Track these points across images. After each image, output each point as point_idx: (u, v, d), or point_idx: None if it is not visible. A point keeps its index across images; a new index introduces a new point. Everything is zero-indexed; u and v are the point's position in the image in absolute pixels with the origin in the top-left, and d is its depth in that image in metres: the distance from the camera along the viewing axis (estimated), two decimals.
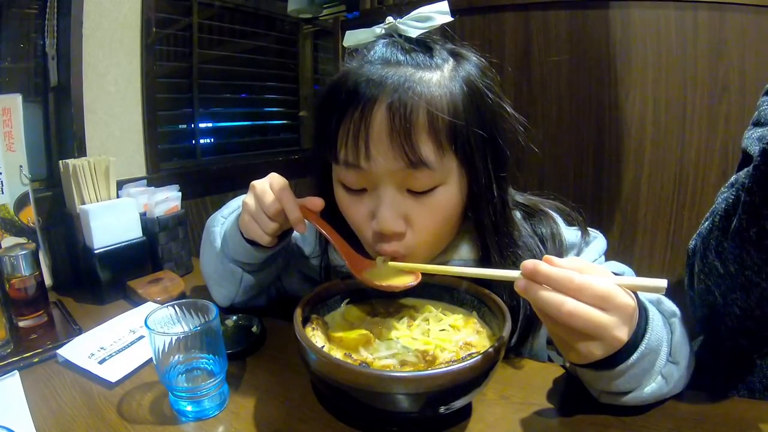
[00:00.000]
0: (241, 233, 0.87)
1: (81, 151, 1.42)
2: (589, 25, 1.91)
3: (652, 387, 0.64)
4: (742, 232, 0.61)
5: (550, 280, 0.55)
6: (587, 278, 0.55)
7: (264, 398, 0.75)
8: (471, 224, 0.84)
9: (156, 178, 1.60)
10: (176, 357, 0.69)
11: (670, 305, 0.70)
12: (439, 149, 0.72)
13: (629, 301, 0.56)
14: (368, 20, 2.22)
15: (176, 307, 0.74)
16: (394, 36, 0.78)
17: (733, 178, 0.78)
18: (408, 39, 0.77)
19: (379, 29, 0.80)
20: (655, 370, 0.64)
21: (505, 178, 0.82)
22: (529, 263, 0.57)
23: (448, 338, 0.71)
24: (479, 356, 0.57)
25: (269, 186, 0.81)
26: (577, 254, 0.88)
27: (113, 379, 0.81)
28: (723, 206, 0.67)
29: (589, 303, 0.54)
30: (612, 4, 1.87)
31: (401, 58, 0.74)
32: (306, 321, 0.73)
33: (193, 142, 2.17)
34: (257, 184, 0.83)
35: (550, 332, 0.61)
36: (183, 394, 0.69)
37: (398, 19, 0.78)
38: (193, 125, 2.15)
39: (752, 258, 0.62)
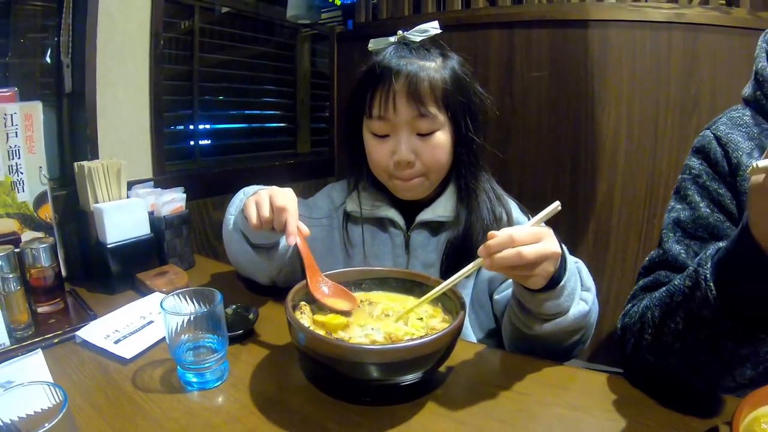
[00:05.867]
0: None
1: (94, 154, 1.52)
2: (569, 44, 2.03)
3: (576, 309, 0.87)
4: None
5: (500, 245, 0.76)
6: (518, 230, 0.76)
7: (258, 373, 0.88)
8: (453, 187, 1.18)
9: (161, 179, 1.71)
10: (186, 335, 0.81)
11: (572, 257, 0.94)
12: (436, 106, 1.07)
13: (546, 228, 0.80)
14: (363, 32, 2.36)
15: (186, 294, 0.86)
16: (403, 42, 1.12)
17: (648, 261, 0.96)
18: (413, 43, 1.11)
19: (392, 38, 1.13)
20: (577, 294, 0.88)
21: (478, 135, 1.14)
22: (481, 248, 0.78)
23: (418, 326, 0.84)
24: (435, 334, 0.71)
25: (276, 199, 0.96)
26: None
27: (128, 356, 0.92)
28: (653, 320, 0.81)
29: (529, 242, 0.75)
30: (591, 24, 1.98)
31: (410, 54, 1.09)
32: (295, 307, 0.86)
33: (192, 143, 2.27)
34: (273, 193, 0.98)
35: (514, 277, 0.84)
36: (190, 367, 0.82)
37: (405, 32, 1.13)
38: (192, 127, 2.25)
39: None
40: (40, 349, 0.96)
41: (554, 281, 0.82)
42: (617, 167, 2.02)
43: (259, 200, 0.97)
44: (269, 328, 1.04)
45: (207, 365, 0.82)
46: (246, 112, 2.62)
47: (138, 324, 1.05)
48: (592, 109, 2.02)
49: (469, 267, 0.83)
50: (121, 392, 0.83)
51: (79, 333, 1.00)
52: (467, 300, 1.09)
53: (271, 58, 2.66)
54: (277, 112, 2.80)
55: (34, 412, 0.60)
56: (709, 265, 0.69)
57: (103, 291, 1.28)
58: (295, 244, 0.94)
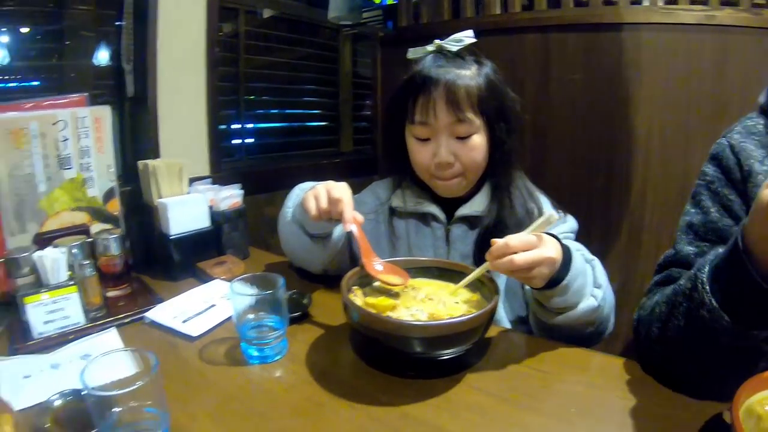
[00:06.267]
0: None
1: (156, 153, 1.64)
2: (603, 47, 2.06)
3: (585, 304, 0.95)
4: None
5: (497, 251, 0.86)
6: (514, 239, 0.85)
7: (312, 350, 0.98)
8: (489, 185, 1.26)
9: (217, 177, 1.81)
10: (250, 315, 0.92)
11: (587, 254, 1.03)
12: (472, 111, 1.15)
13: (541, 236, 0.88)
14: (406, 35, 2.45)
15: (251, 279, 0.96)
16: (440, 51, 1.20)
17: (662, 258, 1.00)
18: (449, 52, 1.19)
19: (430, 47, 1.21)
20: (587, 291, 0.96)
21: (511, 136, 1.22)
22: (487, 253, 0.88)
23: (457, 308, 0.94)
24: (471, 315, 0.81)
25: (332, 191, 1.07)
26: (553, 228, 1.16)
27: (195, 334, 1.03)
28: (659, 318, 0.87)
29: (524, 250, 0.85)
30: (624, 27, 2.02)
31: (447, 63, 1.17)
32: (349, 290, 0.96)
33: (240, 142, 2.38)
34: (330, 186, 1.09)
35: (518, 278, 0.92)
36: (253, 343, 0.92)
37: (441, 41, 1.20)
38: (239, 126, 2.36)
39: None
40: (114, 327, 1.07)
41: (555, 281, 0.91)
42: (650, 168, 2.05)
43: (317, 194, 1.08)
44: (322, 312, 1.13)
45: (268, 341, 0.92)
46: (290, 111, 2.69)
47: (202, 307, 1.15)
48: (626, 111, 2.05)
49: (479, 270, 0.96)
50: (190, 365, 0.94)
51: (147, 314, 1.11)
52: (501, 288, 1.17)
53: (314, 58, 2.73)
54: (321, 112, 2.87)
55: (125, 376, 0.70)
56: (706, 269, 0.75)
57: (165, 278, 1.38)
58: (350, 231, 1.04)
